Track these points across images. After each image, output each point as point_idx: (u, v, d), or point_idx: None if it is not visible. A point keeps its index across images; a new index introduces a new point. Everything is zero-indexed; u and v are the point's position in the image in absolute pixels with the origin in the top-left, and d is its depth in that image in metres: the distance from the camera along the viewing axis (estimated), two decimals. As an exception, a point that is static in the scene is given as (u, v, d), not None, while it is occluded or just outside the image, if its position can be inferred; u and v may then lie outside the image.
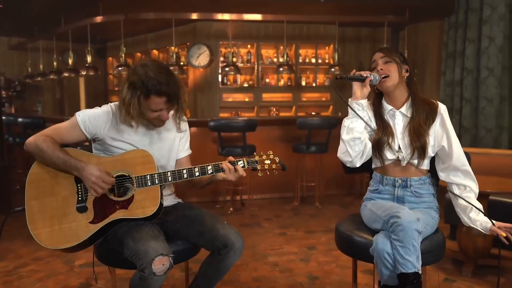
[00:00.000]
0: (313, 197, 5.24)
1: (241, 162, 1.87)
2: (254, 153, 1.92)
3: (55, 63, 6.92)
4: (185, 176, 1.83)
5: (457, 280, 2.93)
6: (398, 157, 1.95)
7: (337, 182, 5.49)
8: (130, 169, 1.81)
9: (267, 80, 7.01)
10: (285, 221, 4.51)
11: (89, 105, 8.91)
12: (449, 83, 6.33)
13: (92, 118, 1.86)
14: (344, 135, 1.95)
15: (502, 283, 2.86)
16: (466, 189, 1.92)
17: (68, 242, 1.73)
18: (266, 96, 6.98)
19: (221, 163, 1.86)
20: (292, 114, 7.08)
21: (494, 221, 1.84)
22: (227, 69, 5.71)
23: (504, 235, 1.77)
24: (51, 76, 7.08)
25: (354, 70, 1.98)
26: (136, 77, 1.76)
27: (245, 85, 6.90)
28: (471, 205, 1.87)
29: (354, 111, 1.95)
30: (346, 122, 1.96)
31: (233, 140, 5.23)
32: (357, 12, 5.96)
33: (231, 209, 4.89)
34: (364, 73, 1.93)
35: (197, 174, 1.84)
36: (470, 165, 1.95)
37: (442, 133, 1.93)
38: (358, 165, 1.99)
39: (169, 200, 2.04)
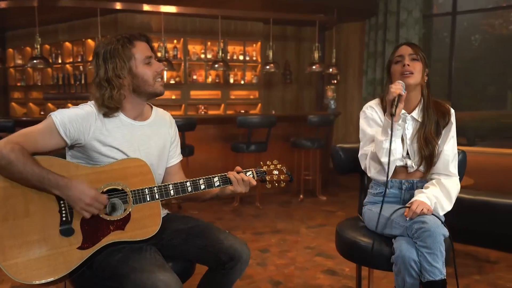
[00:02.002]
0: (252, 197, 5.15)
1: (250, 172, 1.71)
2: (261, 163, 1.76)
3: None
4: (190, 189, 1.60)
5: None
6: (406, 163, 1.91)
7: (274, 180, 5.47)
8: (124, 181, 1.53)
9: (195, 77, 6.75)
10: (229, 224, 4.36)
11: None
12: (371, 82, 6.69)
13: (73, 120, 1.54)
14: (384, 158, 1.82)
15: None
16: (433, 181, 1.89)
17: (50, 274, 1.40)
18: (194, 94, 6.72)
19: (228, 174, 1.67)
20: (221, 112, 6.91)
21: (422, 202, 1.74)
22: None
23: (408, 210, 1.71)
24: None
25: (391, 88, 1.78)
26: (107, 44, 1.61)
27: (172, 81, 6.56)
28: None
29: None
30: (385, 144, 1.81)
31: (169, 140, 4.92)
32: (286, 10, 5.98)
33: (169, 213, 4.60)
34: (400, 89, 1.78)
35: (202, 187, 1.62)
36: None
37: (445, 138, 1.92)
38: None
39: (158, 213, 1.78)
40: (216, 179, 1.65)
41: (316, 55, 5.95)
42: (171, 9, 5.51)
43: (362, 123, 2.00)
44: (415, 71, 1.86)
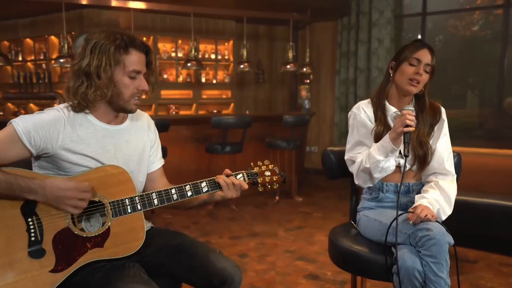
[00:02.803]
0: (227, 199, 5.00)
1: (240, 175, 1.58)
2: (251, 164, 1.63)
3: None
4: (175, 197, 1.46)
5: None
6: (399, 163, 1.84)
7: (249, 182, 5.34)
8: (101, 192, 1.37)
9: (165, 76, 6.53)
10: (205, 228, 4.22)
11: None
12: (344, 82, 6.68)
13: (39, 127, 1.36)
14: (377, 174, 1.80)
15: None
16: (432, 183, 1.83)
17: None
18: (165, 93, 6.50)
19: (216, 178, 1.53)
20: (192, 112, 6.72)
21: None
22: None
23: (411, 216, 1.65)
24: None
25: (406, 118, 1.69)
26: (102, 36, 1.43)
27: (141, 81, 6.31)
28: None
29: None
30: (381, 163, 1.77)
31: (140, 142, 4.72)
32: (260, 8, 5.87)
33: (141, 218, 4.40)
34: (414, 123, 1.71)
35: (189, 193, 1.48)
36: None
37: (437, 136, 1.88)
38: None
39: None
40: (203, 184, 1.52)
41: (290, 54, 5.87)
42: (141, 5, 5.29)
43: (351, 125, 1.94)
44: (421, 83, 1.81)
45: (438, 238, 1.52)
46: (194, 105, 6.72)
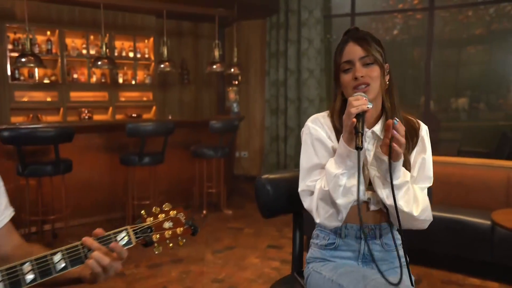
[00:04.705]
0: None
1: (123, 234, 1.02)
2: (142, 213, 1.08)
3: None
4: None
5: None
6: (367, 198, 1.36)
7: (173, 195, 4.79)
8: None
9: (75, 76, 5.73)
10: (119, 253, 3.60)
11: None
12: (274, 83, 6.33)
13: None
14: (340, 199, 1.27)
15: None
16: None
17: None
18: (75, 95, 5.70)
19: (81, 245, 0.98)
20: (108, 117, 5.99)
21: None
22: (23, 59, 4.30)
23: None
24: None
25: (351, 104, 1.23)
26: None
27: (46, 81, 5.47)
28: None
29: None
30: (341, 179, 1.26)
31: (39, 154, 3.98)
32: (181, 2, 5.31)
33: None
34: (365, 103, 1.22)
35: (29, 278, 0.90)
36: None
37: (416, 160, 1.40)
38: None
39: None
40: (58, 257, 0.94)
41: (216, 53, 5.38)
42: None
43: (304, 142, 1.42)
44: (372, 81, 1.31)
45: None
46: (111, 108, 5.99)
